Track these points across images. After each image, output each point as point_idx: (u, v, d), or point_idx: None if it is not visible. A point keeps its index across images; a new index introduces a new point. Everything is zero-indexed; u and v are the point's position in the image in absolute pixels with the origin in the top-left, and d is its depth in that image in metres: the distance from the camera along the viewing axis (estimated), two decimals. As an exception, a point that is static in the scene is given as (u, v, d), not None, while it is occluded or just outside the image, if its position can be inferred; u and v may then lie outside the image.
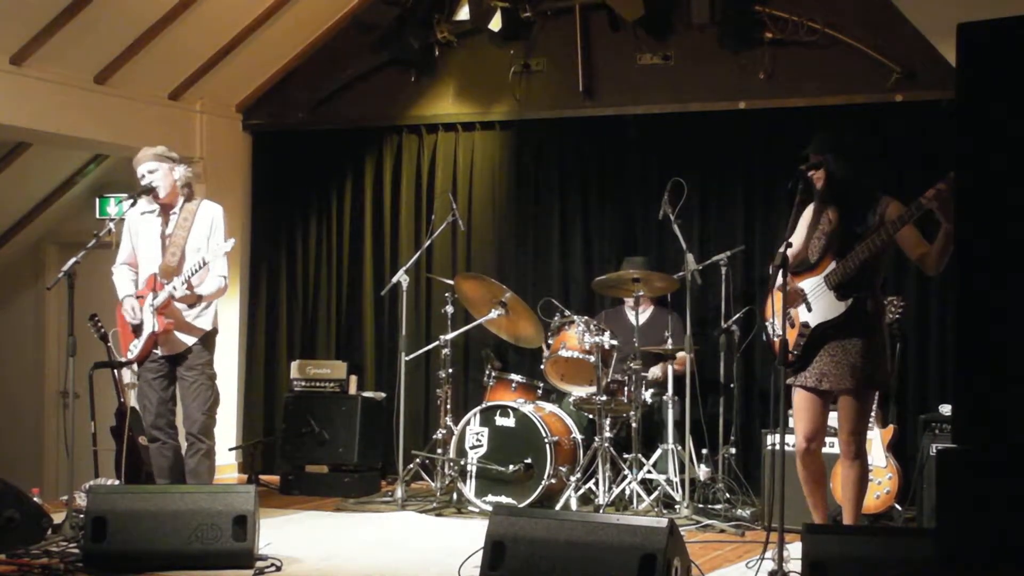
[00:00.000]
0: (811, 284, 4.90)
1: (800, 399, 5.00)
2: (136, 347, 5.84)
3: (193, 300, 5.77)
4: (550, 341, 6.93)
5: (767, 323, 5.04)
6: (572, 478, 6.59)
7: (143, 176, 5.83)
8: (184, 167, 5.91)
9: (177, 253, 5.78)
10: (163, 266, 5.78)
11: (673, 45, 7.58)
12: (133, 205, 5.89)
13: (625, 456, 6.54)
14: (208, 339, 5.91)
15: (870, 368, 4.84)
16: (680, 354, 6.79)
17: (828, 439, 5.37)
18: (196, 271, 5.65)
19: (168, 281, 5.73)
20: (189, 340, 5.83)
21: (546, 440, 6.54)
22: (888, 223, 4.72)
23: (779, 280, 4.61)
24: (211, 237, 5.82)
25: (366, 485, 7.49)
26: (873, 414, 6.16)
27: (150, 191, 5.80)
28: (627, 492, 6.48)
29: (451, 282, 7.30)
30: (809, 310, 4.88)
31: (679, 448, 6.64)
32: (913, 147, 6.94)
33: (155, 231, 5.87)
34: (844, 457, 4.99)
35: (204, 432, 5.84)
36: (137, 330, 5.85)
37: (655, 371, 7.03)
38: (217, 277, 5.81)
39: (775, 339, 4.84)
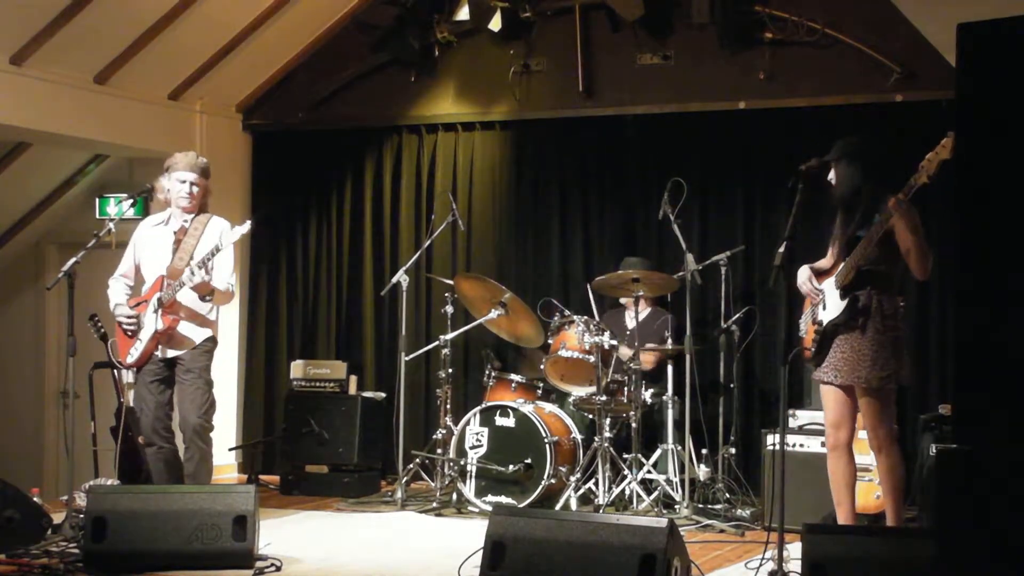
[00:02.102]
0: (828, 284, 5.09)
1: (822, 392, 5.20)
2: (137, 349, 5.83)
3: (207, 290, 5.76)
4: (550, 341, 6.94)
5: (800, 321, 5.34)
6: (572, 478, 6.59)
7: (184, 181, 5.84)
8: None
9: (185, 258, 5.80)
10: (171, 268, 5.80)
11: (673, 45, 7.58)
12: (133, 205, 5.90)
13: (625, 456, 6.54)
14: (209, 344, 5.92)
15: (872, 365, 4.94)
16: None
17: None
18: (210, 258, 5.66)
19: (175, 282, 5.74)
20: (195, 336, 5.83)
21: (546, 440, 6.54)
22: (873, 228, 4.89)
23: (781, 280, 4.76)
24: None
25: (366, 485, 7.49)
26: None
27: (150, 191, 5.81)
28: (627, 492, 6.48)
29: (451, 282, 7.30)
30: (824, 308, 5.08)
31: (679, 448, 6.64)
32: (913, 147, 6.92)
33: (165, 239, 5.91)
34: (873, 452, 5.12)
35: (200, 435, 5.83)
36: (132, 334, 5.86)
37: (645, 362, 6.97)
38: (226, 280, 5.83)
39: (803, 335, 5.16)
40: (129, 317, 5.84)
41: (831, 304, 5.03)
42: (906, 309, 6.48)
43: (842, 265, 5.00)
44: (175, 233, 5.89)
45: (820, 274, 5.15)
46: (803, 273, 5.15)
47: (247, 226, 5.70)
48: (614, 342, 6.70)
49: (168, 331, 5.78)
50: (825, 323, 5.03)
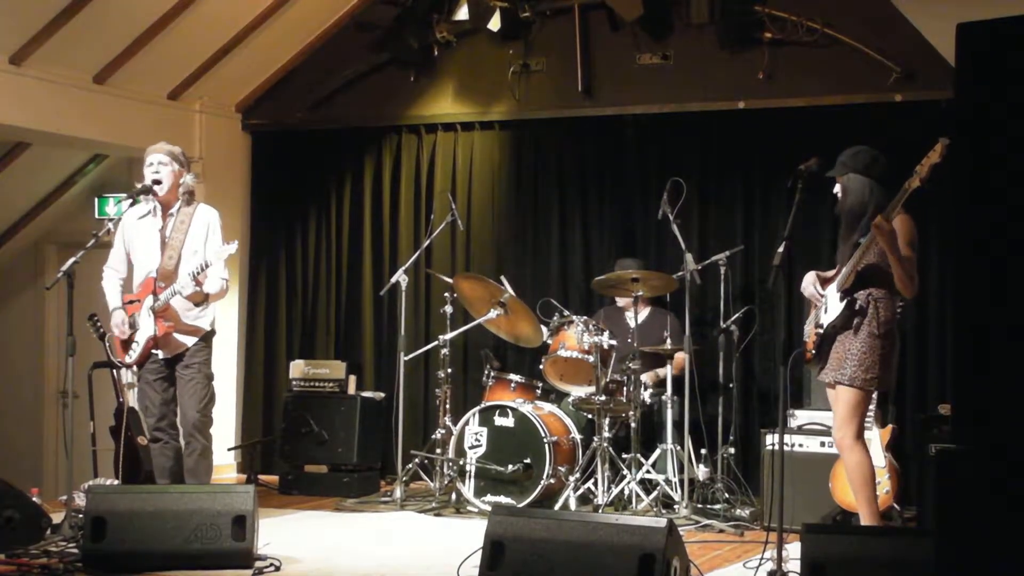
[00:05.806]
0: (831, 289, 5.14)
1: (827, 394, 5.25)
2: (135, 352, 5.84)
3: (200, 299, 5.77)
4: (549, 341, 6.94)
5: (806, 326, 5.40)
6: (571, 478, 6.59)
7: (151, 164, 5.79)
8: (192, 176, 5.93)
9: (174, 256, 5.78)
10: (161, 269, 5.78)
11: (672, 45, 7.58)
12: (132, 204, 5.89)
13: (624, 456, 6.54)
14: (207, 339, 5.92)
15: (858, 364, 4.98)
16: (678, 355, 6.79)
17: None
18: (199, 272, 5.66)
19: (166, 284, 5.73)
20: (189, 341, 5.84)
21: (545, 440, 6.54)
22: (858, 249, 4.99)
23: (781, 279, 4.78)
24: (208, 241, 5.82)
25: (365, 485, 7.49)
26: (872, 414, 6.16)
27: (149, 190, 5.79)
28: (626, 492, 6.48)
29: (451, 280, 7.29)
30: (825, 312, 5.12)
31: (678, 448, 6.64)
32: (913, 147, 6.92)
33: (153, 234, 5.87)
34: (838, 448, 5.14)
35: (199, 430, 5.84)
36: (126, 344, 5.86)
37: (645, 379, 7.00)
38: (219, 279, 5.82)
39: (806, 340, 5.22)
40: (123, 321, 5.83)
41: (832, 307, 5.08)
42: (906, 309, 6.51)
43: (843, 270, 5.04)
44: (159, 231, 5.84)
45: (825, 281, 5.21)
46: (808, 278, 5.22)
47: (234, 245, 5.68)
48: (613, 342, 6.70)
49: (164, 336, 5.79)
50: (825, 325, 5.08)
